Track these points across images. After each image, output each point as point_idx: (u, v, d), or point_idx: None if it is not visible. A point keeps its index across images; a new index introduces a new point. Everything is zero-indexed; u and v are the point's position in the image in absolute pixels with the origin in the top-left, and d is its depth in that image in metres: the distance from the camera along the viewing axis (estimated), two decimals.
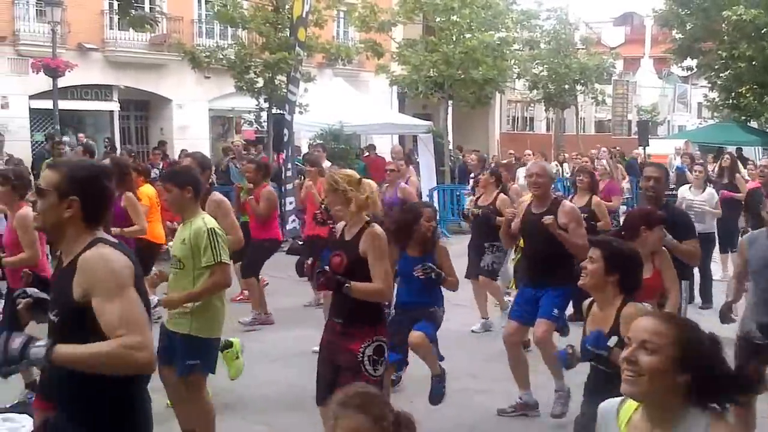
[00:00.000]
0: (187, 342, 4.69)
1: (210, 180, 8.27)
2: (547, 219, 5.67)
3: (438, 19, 21.07)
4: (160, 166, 14.37)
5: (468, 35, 20.55)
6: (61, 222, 2.73)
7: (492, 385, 6.53)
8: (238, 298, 9.15)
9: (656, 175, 5.84)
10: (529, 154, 13.50)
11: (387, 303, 5.20)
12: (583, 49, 30.32)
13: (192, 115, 23.48)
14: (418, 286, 5.54)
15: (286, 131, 13.37)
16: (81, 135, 20.69)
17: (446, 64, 20.07)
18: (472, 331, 8.44)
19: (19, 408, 5.06)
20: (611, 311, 3.69)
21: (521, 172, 11.93)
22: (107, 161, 8.60)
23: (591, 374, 3.84)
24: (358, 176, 4.56)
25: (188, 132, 22.93)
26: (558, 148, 29.15)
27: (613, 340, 3.43)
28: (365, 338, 4.31)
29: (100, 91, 22.48)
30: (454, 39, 20.44)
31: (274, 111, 17.02)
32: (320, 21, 18.02)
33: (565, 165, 21.37)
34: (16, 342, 2.51)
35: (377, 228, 4.38)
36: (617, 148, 23.65)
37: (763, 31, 23.35)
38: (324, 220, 7.86)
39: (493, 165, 13.45)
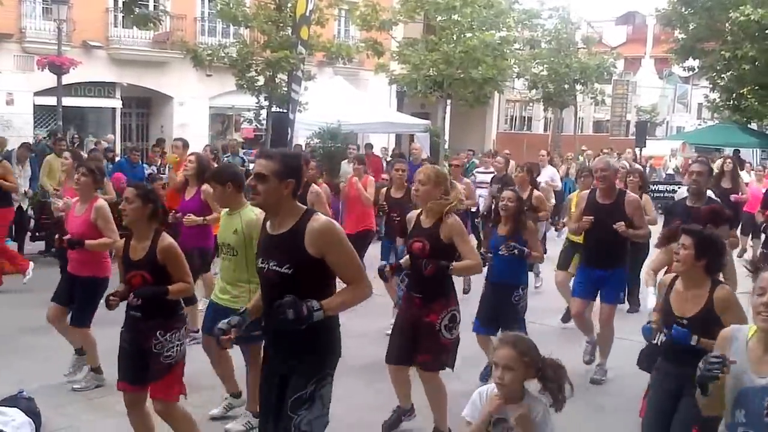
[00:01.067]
0: None
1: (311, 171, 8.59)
2: (620, 227, 6.38)
3: (439, 18, 21.24)
4: (158, 164, 14.54)
5: (469, 34, 20.70)
6: (280, 200, 3.48)
7: None
8: None
9: (698, 170, 6.42)
10: (543, 156, 13.77)
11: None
12: (584, 48, 30.30)
13: (192, 113, 23.69)
14: (505, 263, 6.26)
15: (289, 129, 13.51)
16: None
17: (446, 63, 20.25)
18: None
19: (9, 402, 5.25)
20: (701, 292, 4.12)
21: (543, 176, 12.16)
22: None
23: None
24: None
25: (188, 129, 23.15)
26: (555, 148, 29.24)
27: (694, 339, 4.02)
28: (442, 310, 5.04)
29: (103, 89, 22.73)
30: (455, 38, 20.61)
31: (273, 109, 17.19)
32: (321, 19, 18.18)
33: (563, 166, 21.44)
34: (303, 307, 3.29)
35: (454, 215, 5.11)
36: (585, 149, 23.59)
37: (767, 32, 23.45)
38: (385, 212, 8.44)
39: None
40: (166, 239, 4.57)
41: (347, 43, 22.23)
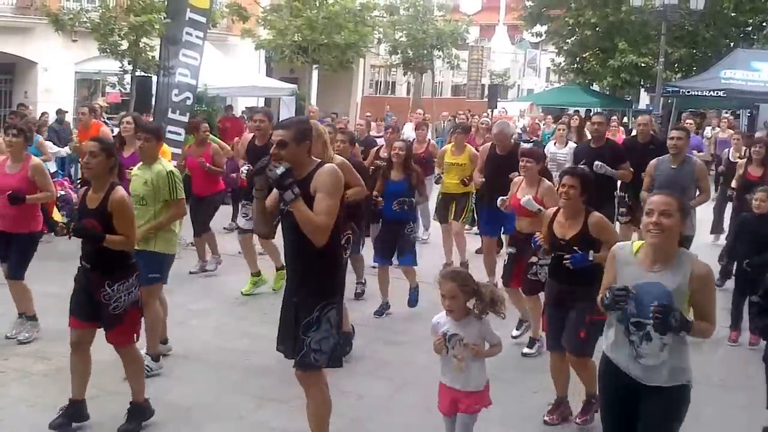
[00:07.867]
0: (151, 257, 5.72)
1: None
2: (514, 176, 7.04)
3: None
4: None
5: (330, 0, 21.28)
6: (303, 158, 4.14)
7: None
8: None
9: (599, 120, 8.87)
10: (446, 115, 14.79)
11: None
12: (441, 16, 31.53)
13: (57, 78, 23.10)
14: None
15: (189, 95, 13.11)
16: None
17: (310, 28, 20.74)
18: None
19: None
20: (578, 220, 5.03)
21: None
22: None
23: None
24: None
25: (53, 95, 22.61)
26: (415, 111, 30.31)
27: (591, 255, 4.84)
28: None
29: None
30: (318, 4, 21.12)
31: (138, 74, 17.13)
32: None
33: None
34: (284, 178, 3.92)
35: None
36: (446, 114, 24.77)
37: None
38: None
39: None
40: (119, 192, 4.75)
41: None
